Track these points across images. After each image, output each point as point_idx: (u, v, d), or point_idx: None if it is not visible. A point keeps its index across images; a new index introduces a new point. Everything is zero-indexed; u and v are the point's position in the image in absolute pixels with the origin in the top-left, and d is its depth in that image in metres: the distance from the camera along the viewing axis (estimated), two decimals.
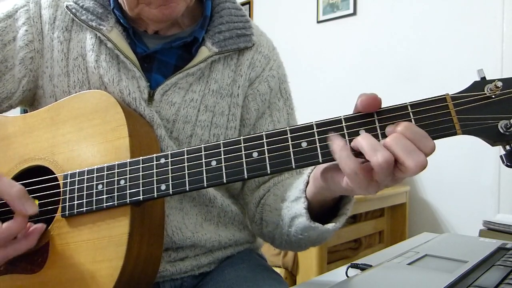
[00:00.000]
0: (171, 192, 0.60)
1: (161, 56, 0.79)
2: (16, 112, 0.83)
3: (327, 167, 0.57)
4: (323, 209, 0.65)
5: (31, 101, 0.82)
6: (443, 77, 2.44)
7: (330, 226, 0.63)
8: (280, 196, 0.74)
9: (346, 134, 0.53)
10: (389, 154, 0.49)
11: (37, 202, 0.65)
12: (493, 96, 0.51)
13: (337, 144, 0.51)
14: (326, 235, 0.66)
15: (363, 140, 0.51)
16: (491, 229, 1.75)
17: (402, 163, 0.49)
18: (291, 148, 0.55)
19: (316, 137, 0.54)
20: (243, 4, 3.53)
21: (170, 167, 0.60)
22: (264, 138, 0.56)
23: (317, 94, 3.01)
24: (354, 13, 2.91)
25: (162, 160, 0.61)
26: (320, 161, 0.54)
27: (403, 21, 2.69)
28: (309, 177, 0.64)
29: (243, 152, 0.57)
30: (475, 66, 0.54)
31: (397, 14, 2.71)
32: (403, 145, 0.49)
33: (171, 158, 0.60)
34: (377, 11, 2.81)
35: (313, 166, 0.63)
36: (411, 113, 0.52)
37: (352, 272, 0.73)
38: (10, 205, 0.59)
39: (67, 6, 0.77)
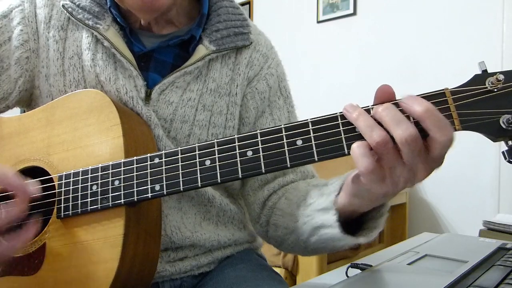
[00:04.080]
0: (165, 193, 0.59)
1: (158, 55, 0.78)
2: (16, 112, 0.83)
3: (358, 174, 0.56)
4: (348, 221, 0.64)
5: (28, 101, 0.82)
6: (443, 77, 2.44)
7: (361, 239, 0.62)
8: (295, 201, 0.73)
9: (342, 131, 0.52)
10: (413, 128, 0.48)
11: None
12: (494, 90, 0.49)
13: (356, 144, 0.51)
14: (350, 245, 0.65)
15: (384, 112, 0.50)
16: (491, 229, 1.75)
17: (432, 136, 0.48)
18: (286, 146, 0.54)
19: (312, 135, 0.53)
20: (243, 4, 3.53)
21: (164, 167, 0.60)
22: (259, 137, 0.55)
23: (317, 94, 3.01)
24: (354, 13, 2.92)
25: (156, 160, 0.60)
26: (316, 159, 0.53)
27: (403, 21, 2.69)
28: (341, 188, 0.62)
29: (237, 151, 0.56)
30: (475, 66, 0.53)
31: (397, 14, 2.71)
32: (434, 119, 0.49)
33: (165, 158, 0.60)
34: (377, 11, 2.81)
35: (345, 175, 0.62)
36: None
37: (352, 272, 0.72)
38: (9, 188, 0.58)
39: (63, 5, 0.76)
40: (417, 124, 0.49)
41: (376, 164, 0.50)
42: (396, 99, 0.52)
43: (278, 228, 0.76)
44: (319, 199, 0.66)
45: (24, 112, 0.77)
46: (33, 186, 0.60)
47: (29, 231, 0.60)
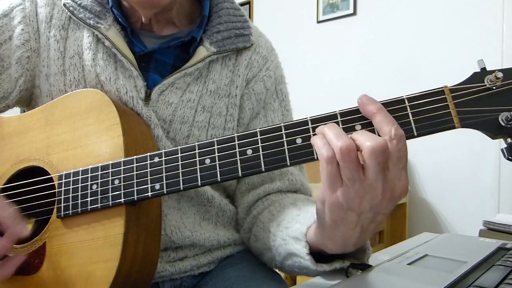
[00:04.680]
0: (165, 192, 0.59)
1: (158, 56, 0.78)
2: (16, 112, 0.83)
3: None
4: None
5: (28, 101, 0.82)
6: (443, 77, 2.43)
7: (336, 265, 0.61)
8: (276, 219, 0.72)
9: (341, 129, 0.52)
10: (350, 140, 0.48)
11: (30, 226, 0.65)
12: (493, 88, 0.49)
13: (317, 138, 0.51)
14: (328, 273, 0.64)
15: (328, 129, 0.50)
16: (491, 229, 1.75)
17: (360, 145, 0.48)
18: (285, 144, 0.54)
19: (311, 133, 0.53)
20: (243, 4, 3.53)
21: (164, 166, 0.60)
22: (259, 135, 0.55)
23: (317, 94, 3.01)
24: (354, 13, 2.92)
25: (156, 159, 0.60)
26: (315, 158, 0.53)
27: (403, 21, 2.69)
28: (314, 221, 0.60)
29: (237, 150, 0.56)
30: (475, 66, 0.53)
31: (397, 14, 2.71)
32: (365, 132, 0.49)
33: (165, 157, 0.60)
34: (377, 11, 2.81)
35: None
36: (408, 107, 0.51)
37: (352, 272, 0.72)
38: (1, 224, 0.58)
39: (64, 4, 0.76)
40: None
41: (336, 168, 0.49)
42: (396, 97, 0.52)
43: (257, 240, 0.77)
44: (295, 225, 0.65)
45: (24, 112, 0.77)
46: (25, 228, 0.60)
47: (14, 261, 0.60)
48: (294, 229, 0.64)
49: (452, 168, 2.44)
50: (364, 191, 0.49)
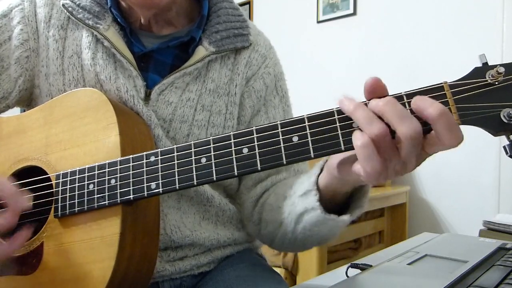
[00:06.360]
0: (161, 191, 0.59)
1: (158, 56, 0.79)
2: (15, 112, 0.83)
3: (344, 159, 0.55)
4: (333, 204, 0.64)
5: (28, 100, 0.82)
6: (443, 77, 2.42)
7: (345, 217, 0.61)
8: (282, 194, 0.73)
9: (338, 127, 0.51)
10: (417, 123, 0.47)
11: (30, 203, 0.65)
12: (495, 83, 0.48)
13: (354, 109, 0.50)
14: (337, 230, 0.66)
15: (386, 107, 0.48)
16: (491, 229, 1.74)
17: (440, 138, 0.47)
18: (282, 143, 0.53)
19: (308, 131, 0.52)
20: (243, 4, 3.53)
21: (160, 165, 0.59)
22: (255, 134, 0.55)
23: (317, 94, 3.01)
24: (354, 13, 2.91)
25: (152, 158, 0.60)
26: (312, 156, 0.52)
27: (403, 21, 2.68)
28: (321, 169, 0.62)
29: (233, 149, 0.56)
30: (476, 64, 0.52)
31: (397, 14, 2.71)
32: (447, 122, 0.46)
33: (161, 156, 0.60)
34: (377, 11, 2.81)
35: (326, 158, 0.61)
36: (406, 104, 0.50)
37: (352, 272, 0.72)
38: (3, 200, 0.59)
39: (63, 5, 0.76)
40: (418, 119, 0.47)
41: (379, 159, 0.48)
42: (394, 93, 0.51)
43: (268, 224, 0.77)
44: (302, 185, 0.66)
45: (24, 111, 0.77)
46: (28, 200, 0.61)
47: (23, 235, 0.60)
48: (302, 187, 0.65)
49: (452, 168, 2.44)
50: (400, 165, 0.50)
